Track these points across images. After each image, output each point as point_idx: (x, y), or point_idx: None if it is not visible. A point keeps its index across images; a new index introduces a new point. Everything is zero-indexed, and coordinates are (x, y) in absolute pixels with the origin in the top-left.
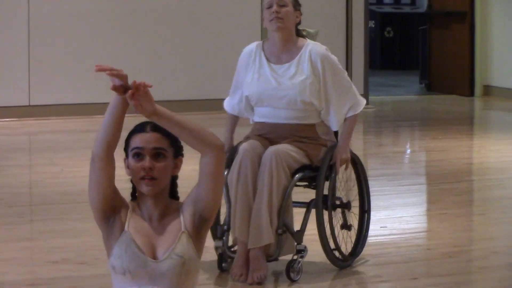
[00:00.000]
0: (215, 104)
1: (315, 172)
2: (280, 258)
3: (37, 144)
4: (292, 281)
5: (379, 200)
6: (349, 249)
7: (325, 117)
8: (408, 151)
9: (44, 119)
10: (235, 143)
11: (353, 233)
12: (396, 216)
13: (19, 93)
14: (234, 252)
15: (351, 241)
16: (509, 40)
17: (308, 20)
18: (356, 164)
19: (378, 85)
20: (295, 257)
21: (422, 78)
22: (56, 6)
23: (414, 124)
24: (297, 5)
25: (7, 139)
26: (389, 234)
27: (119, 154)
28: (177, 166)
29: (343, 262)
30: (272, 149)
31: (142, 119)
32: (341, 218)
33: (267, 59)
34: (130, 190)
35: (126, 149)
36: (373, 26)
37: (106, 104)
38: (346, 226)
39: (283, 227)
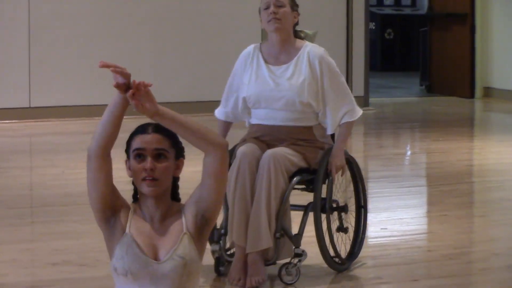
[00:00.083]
0: (216, 106)
1: (312, 175)
2: (278, 262)
3: (37, 145)
4: (286, 284)
5: (380, 201)
6: (346, 252)
7: (322, 119)
8: (409, 152)
9: (44, 120)
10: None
11: (350, 235)
12: (397, 218)
13: (20, 94)
14: (231, 255)
15: (348, 244)
16: (510, 41)
17: (309, 21)
18: (351, 163)
19: (378, 87)
20: (293, 260)
21: (422, 79)
22: (57, 8)
23: (415, 125)
24: (294, 6)
25: (7, 141)
26: (390, 236)
27: (120, 156)
28: (178, 168)
29: (341, 266)
30: (270, 152)
31: (143, 120)
32: (337, 221)
33: (265, 61)
34: (132, 192)
35: (127, 150)
36: (373, 27)
37: (106, 106)
38: (342, 228)
39: (281, 231)
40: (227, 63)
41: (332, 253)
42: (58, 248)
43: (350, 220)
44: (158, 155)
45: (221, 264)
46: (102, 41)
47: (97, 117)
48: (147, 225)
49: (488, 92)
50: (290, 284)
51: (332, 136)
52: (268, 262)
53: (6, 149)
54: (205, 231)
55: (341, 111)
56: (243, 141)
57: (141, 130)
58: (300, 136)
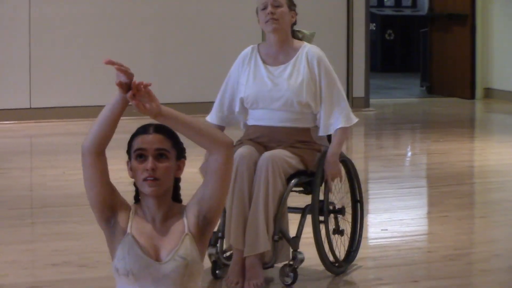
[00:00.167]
0: None
1: (310, 177)
2: (276, 265)
3: (38, 146)
4: (286, 285)
5: (380, 202)
6: (343, 255)
7: (318, 120)
8: (409, 153)
9: (45, 121)
10: None
11: (347, 238)
12: (397, 219)
13: (20, 95)
14: (228, 258)
15: (344, 248)
16: (510, 42)
17: (309, 22)
18: (346, 162)
19: (379, 88)
20: (291, 262)
21: (423, 80)
22: (57, 9)
23: (415, 126)
24: (292, 5)
25: (8, 142)
26: (390, 237)
27: (121, 157)
28: (180, 168)
29: (338, 268)
30: (267, 154)
31: (144, 121)
32: (334, 223)
33: (263, 61)
34: (133, 194)
35: (128, 151)
36: (374, 28)
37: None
38: (338, 231)
39: (279, 234)
40: (228, 64)
41: (330, 256)
42: (58, 249)
43: (348, 218)
44: (159, 155)
45: (218, 267)
46: (103, 42)
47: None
48: (148, 225)
49: (489, 93)
50: (289, 286)
51: (329, 137)
52: (266, 265)
53: (7, 150)
54: (207, 232)
55: (334, 115)
56: (240, 143)
57: (142, 130)
58: (297, 137)
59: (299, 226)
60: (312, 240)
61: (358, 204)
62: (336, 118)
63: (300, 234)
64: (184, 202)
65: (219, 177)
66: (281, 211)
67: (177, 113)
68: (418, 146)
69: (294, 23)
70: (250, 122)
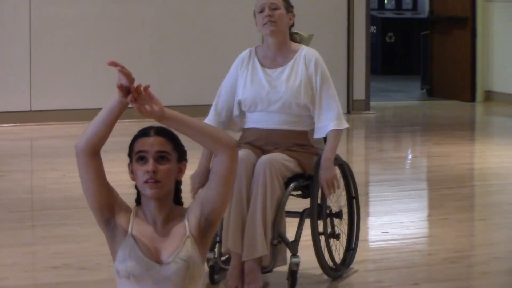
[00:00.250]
0: None
1: (307, 180)
2: (274, 269)
3: (38, 149)
4: None
5: (380, 205)
6: (342, 258)
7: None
8: (410, 156)
9: (45, 124)
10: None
11: (344, 239)
12: (397, 222)
13: (21, 98)
14: (225, 262)
15: (342, 251)
16: (510, 45)
17: (310, 24)
18: (343, 166)
19: (379, 90)
20: (294, 268)
21: (423, 83)
22: (58, 11)
23: (416, 129)
24: (289, 7)
25: (8, 144)
26: (390, 240)
27: (123, 160)
28: (181, 171)
29: (336, 272)
30: (265, 158)
31: (144, 123)
32: (330, 227)
33: (261, 64)
34: (135, 196)
35: (130, 154)
36: (374, 31)
37: (111, 100)
38: (334, 235)
39: (278, 238)
40: (228, 66)
41: (328, 260)
42: (58, 251)
43: (345, 219)
44: (160, 158)
45: (215, 272)
46: (103, 43)
47: None
48: (149, 228)
49: (489, 95)
50: None
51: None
52: (265, 269)
53: (7, 153)
54: (208, 234)
55: (326, 118)
56: (237, 146)
57: (143, 133)
58: (295, 140)
59: (297, 230)
60: (308, 243)
61: (354, 201)
62: (328, 121)
63: (299, 238)
64: (185, 205)
65: (223, 178)
66: (279, 215)
67: (181, 115)
68: (418, 149)
69: (292, 25)
70: (247, 125)
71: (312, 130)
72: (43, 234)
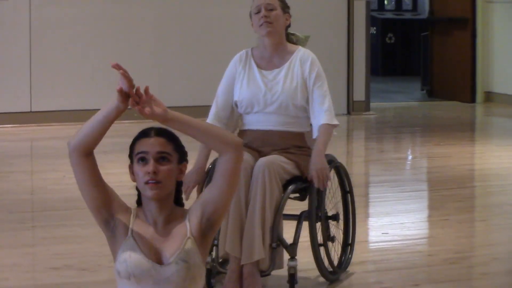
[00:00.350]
0: None
1: (305, 183)
2: (272, 272)
3: (39, 150)
4: None
5: (381, 206)
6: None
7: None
8: (410, 157)
9: (45, 125)
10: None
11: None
12: (398, 222)
13: (21, 99)
14: (221, 264)
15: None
16: (511, 46)
17: (310, 26)
18: (338, 168)
19: (379, 91)
20: (292, 271)
21: (423, 84)
22: (58, 12)
23: (416, 130)
24: (285, 8)
25: (9, 145)
26: (391, 240)
27: (124, 161)
28: (182, 172)
29: (334, 275)
30: (264, 160)
31: (145, 124)
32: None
33: (257, 65)
34: (136, 197)
35: (130, 155)
36: (374, 32)
37: (109, 102)
38: (329, 237)
39: (277, 241)
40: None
41: (326, 262)
42: (59, 252)
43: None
44: (161, 159)
45: (212, 275)
46: (103, 45)
47: None
48: (150, 228)
49: (489, 96)
50: None
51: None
52: (263, 273)
53: (7, 154)
54: (209, 235)
55: (318, 114)
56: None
57: (143, 134)
58: (291, 142)
59: (295, 232)
60: (306, 244)
61: (349, 195)
62: (320, 116)
63: (297, 241)
64: (186, 206)
65: (227, 178)
66: (278, 218)
67: (184, 116)
68: (418, 150)
69: (288, 26)
70: (243, 127)
71: (309, 132)
72: (44, 235)
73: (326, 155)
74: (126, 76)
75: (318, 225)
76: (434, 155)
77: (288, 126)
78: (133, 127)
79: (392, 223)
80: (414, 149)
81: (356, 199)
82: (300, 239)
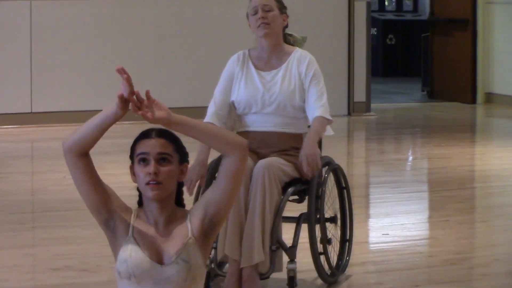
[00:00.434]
0: None
1: (304, 185)
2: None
3: (39, 151)
4: None
5: (381, 207)
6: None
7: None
8: (410, 158)
9: (46, 126)
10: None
11: (336, 247)
12: (398, 223)
13: (21, 100)
14: (219, 266)
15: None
16: (511, 47)
17: (310, 27)
18: (336, 171)
19: (380, 92)
20: (291, 274)
21: (424, 85)
22: (58, 14)
23: (416, 131)
24: (283, 8)
25: (9, 146)
26: (391, 241)
27: (124, 161)
28: (182, 173)
29: (332, 277)
30: (263, 163)
31: (146, 126)
32: (321, 232)
33: (255, 66)
34: (137, 198)
35: (131, 156)
36: (375, 33)
37: (108, 106)
38: (328, 240)
39: (277, 244)
40: None
41: (326, 267)
42: (59, 253)
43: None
44: (162, 159)
45: (210, 278)
46: (104, 46)
47: None
48: (151, 229)
49: (490, 97)
50: None
51: (320, 145)
52: (263, 276)
53: (8, 155)
54: (211, 236)
55: (313, 107)
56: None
57: (144, 135)
58: (290, 143)
59: (295, 235)
60: (305, 246)
61: (345, 191)
62: (315, 110)
63: (297, 243)
64: (187, 207)
65: (231, 179)
66: (277, 220)
67: (189, 119)
68: (419, 151)
69: (286, 26)
70: (241, 129)
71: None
72: (44, 235)
73: (324, 157)
74: (129, 82)
75: (317, 226)
76: (434, 156)
77: (286, 127)
78: (133, 128)
79: (393, 224)
80: (415, 150)
81: (357, 200)
82: (299, 240)
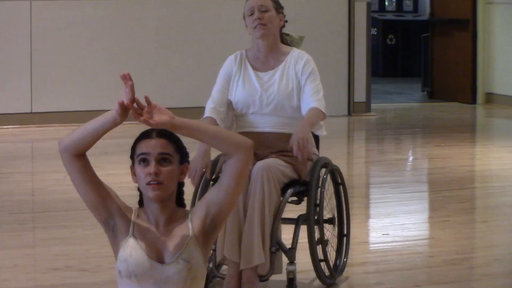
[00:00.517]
0: None
1: (303, 186)
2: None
3: (39, 151)
4: None
5: (381, 207)
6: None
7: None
8: (410, 158)
9: (46, 126)
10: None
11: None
12: (398, 223)
13: (21, 100)
14: (218, 268)
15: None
16: (511, 47)
17: (310, 27)
18: (333, 172)
19: (380, 93)
20: (291, 275)
21: (424, 85)
22: (58, 14)
23: (416, 131)
24: (279, 8)
25: (9, 146)
26: (392, 242)
27: (125, 162)
28: (183, 173)
29: (331, 279)
30: (262, 164)
31: (146, 126)
32: (318, 233)
33: (252, 67)
34: (137, 198)
35: (132, 156)
36: (375, 33)
37: (108, 111)
38: (322, 241)
39: (276, 245)
40: None
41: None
42: (59, 253)
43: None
44: (162, 160)
45: (209, 280)
46: (104, 46)
47: None
48: (151, 228)
49: (490, 97)
50: None
51: (318, 146)
52: (263, 277)
53: (8, 155)
54: (212, 236)
55: (309, 100)
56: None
57: (145, 135)
58: (288, 143)
59: (294, 236)
60: (304, 246)
61: (341, 187)
62: (311, 103)
63: (296, 245)
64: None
65: (235, 180)
66: (277, 222)
67: (192, 121)
68: (419, 151)
69: (283, 26)
70: (239, 129)
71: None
72: (44, 236)
73: (322, 158)
74: (132, 89)
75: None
76: (434, 156)
77: (284, 128)
78: (134, 128)
79: (393, 224)
80: (415, 150)
81: (357, 200)
82: (299, 240)
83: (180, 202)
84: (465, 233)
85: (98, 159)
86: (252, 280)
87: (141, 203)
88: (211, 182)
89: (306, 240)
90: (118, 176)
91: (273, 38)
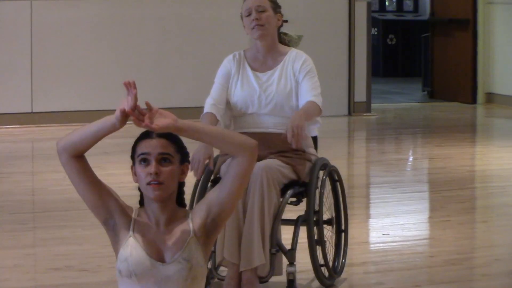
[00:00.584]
0: None
1: (302, 187)
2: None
3: (39, 151)
4: None
5: (382, 207)
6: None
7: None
8: (411, 158)
9: (46, 126)
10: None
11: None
12: (399, 223)
13: (22, 100)
14: (216, 269)
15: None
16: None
17: (311, 27)
18: (332, 174)
19: (380, 93)
20: (291, 277)
21: (424, 85)
22: (59, 14)
23: (417, 131)
24: (277, 8)
25: (9, 146)
26: (392, 242)
27: (125, 162)
28: (183, 173)
29: (330, 280)
30: (261, 165)
31: None
32: (316, 234)
33: (251, 67)
34: (138, 198)
35: (132, 156)
36: (375, 33)
37: (108, 111)
38: (319, 242)
39: (276, 247)
40: None
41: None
42: (60, 253)
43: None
44: (163, 160)
45: (208, 282)
46: (104, 46)
47: None
48: (152, 228)
49: (490, 97)
50: None
51: (317, 147)
52: (262, 279)
53: (8, 154)
54: (213, 236)
55: (306, 96)
56: (226, 153)
57: (145, 135)
58: (288, 145)
59: (293, 237)
60: (304, 246)
61: (338, 183)
62: (308, 97)
63: (296, 246)
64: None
65: (238, 180)
66: (276, 223)
67: (196, 124)
68: (419, 151)
69: (281, 26)
70: (238, 130)
71: (304, 136)
72: (44, 236)
73: (320, 158)
74: (135, 96)
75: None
76: (435, 156)
77: (283, 128)
78: (134, 128)
79: (393, 224)
80: (415, 150)
81: (357, 200)
82: (298, 240)
83: (180, 202)
84: (465, 233)
85: (98, 159)
86: (252, 281)
87: (141, 202)
88: (210, 184)
89: (306, 240)
90: (118, 176)
91: (271, 38)
